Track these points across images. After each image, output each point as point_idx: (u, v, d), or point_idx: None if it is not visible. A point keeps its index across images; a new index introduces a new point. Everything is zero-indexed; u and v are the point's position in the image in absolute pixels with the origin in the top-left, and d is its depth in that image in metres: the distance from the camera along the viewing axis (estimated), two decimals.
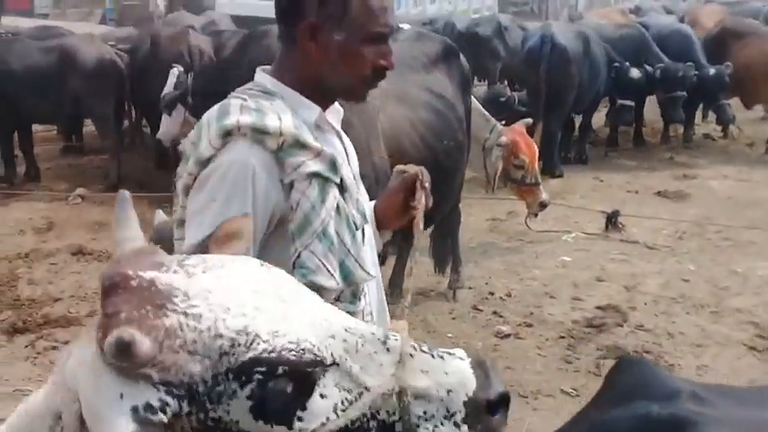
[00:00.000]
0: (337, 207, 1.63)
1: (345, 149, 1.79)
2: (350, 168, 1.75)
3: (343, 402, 1.08)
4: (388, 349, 1.14)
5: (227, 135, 1.57)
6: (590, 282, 5.43)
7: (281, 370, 1.04)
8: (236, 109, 1.59)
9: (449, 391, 1.12)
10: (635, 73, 8.36)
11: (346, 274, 1.64)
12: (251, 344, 1.04)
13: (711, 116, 9.95)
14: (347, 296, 1.65)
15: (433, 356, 1.15)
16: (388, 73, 4.08)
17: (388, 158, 3.54)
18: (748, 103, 9.60)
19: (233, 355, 1.04)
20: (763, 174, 8.20)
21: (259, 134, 1.57)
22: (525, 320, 4.83)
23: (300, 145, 1.59)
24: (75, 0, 23.76)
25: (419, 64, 4.28)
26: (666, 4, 15.65)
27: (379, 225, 1.89)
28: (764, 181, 7.95)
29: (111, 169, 7.91)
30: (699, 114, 10.08)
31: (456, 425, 1.13)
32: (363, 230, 1.73)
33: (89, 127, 9.09)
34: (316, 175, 1.58)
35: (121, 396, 1.00)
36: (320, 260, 1.59)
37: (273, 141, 1.57)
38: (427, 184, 1.77)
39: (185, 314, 1.04)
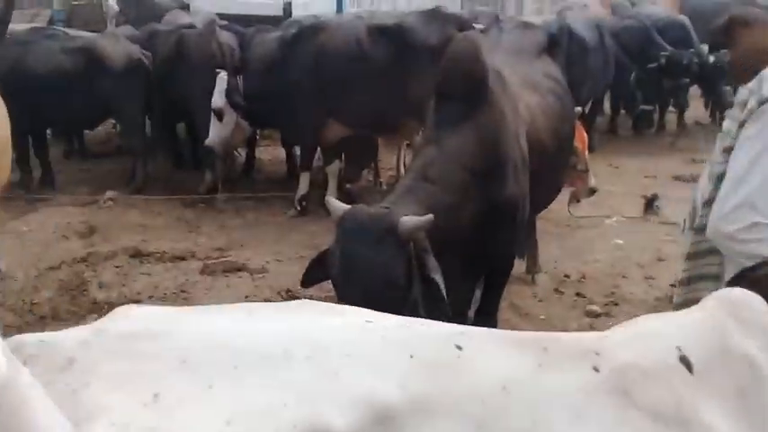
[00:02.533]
0: None
1: None
2: None
3: None
4: None
5: None
6: (652, 262, 5.68)
7: None
8: None
9: None
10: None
11: None
12: None
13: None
14: None
15: None
16: (514, 60, 4.22)
17: (528, 145, 3.68)
18: None
19: None
20: None
21: None
22: (610, 300, 5.05)
23: None
24: (19, 1, 23.02)
25: (534, 52, 4.43)
26: None
27: None
28: None
29: (139, 172, 7.82)
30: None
31: None
32: None
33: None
34: None
35: None
36: None
37: None
38: None
39: None
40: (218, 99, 6.90)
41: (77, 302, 5.20)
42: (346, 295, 3.02)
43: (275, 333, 1.26)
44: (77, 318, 4.94)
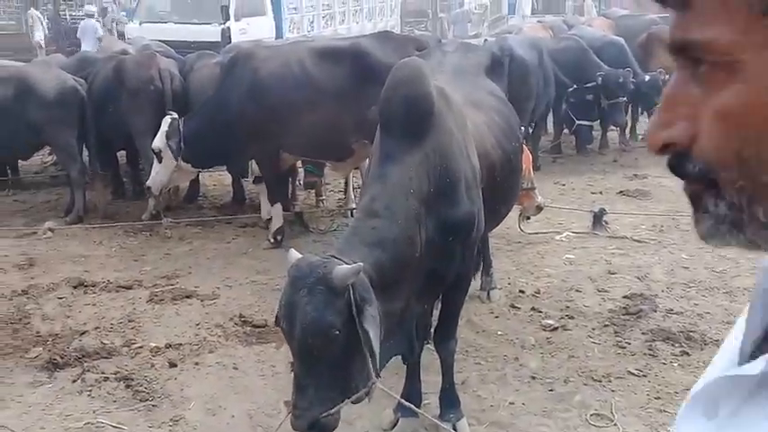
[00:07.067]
0: None
1: None
2: None
3: None
4: None
5: None
6: (604, 275, 5.73)
7: None
8: None
9: None
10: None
11: None
12: None
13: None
14: None
15: None
16: (458, 80, 4.21)
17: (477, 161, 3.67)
18: None
19: None
20: None
21: None
22: (565, 313, 5.05)
23: None
24: None
25: (479, 72, 4.46)
26: (566, 18, 16.51)
27: None
28: None
29: (77, 201, 7.57)
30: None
31: None
32: None
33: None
34: None
35: None
36: None
37: None
38: None
39: None
40: (157, 140, 6.69)
41: (20, 336, 4.97)
42: (289, 341, 2.99)
43: None
44: (21, 351, 4.73)
